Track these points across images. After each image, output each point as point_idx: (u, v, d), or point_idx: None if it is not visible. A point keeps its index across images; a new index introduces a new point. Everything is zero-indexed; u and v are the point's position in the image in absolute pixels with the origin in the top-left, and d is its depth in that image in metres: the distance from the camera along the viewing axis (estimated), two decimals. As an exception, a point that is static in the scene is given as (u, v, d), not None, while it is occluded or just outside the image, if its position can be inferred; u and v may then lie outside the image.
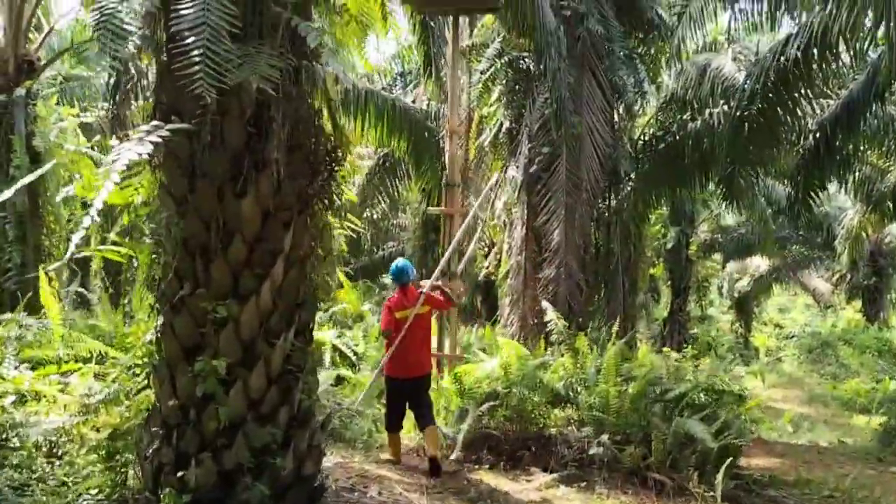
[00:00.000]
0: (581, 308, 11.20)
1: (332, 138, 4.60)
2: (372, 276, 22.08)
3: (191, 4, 3.58)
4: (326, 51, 3.92)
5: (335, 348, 10.59)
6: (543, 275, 11.00)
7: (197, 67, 3.43)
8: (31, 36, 11.69)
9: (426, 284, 7.13)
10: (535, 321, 11.13)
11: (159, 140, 3.68)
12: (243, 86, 3.85)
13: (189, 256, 4.21)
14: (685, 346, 21.30)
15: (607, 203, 12.34)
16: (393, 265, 6.93)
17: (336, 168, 4.62)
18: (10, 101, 10.69)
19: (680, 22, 10.64)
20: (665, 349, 10.84)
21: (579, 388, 6.73)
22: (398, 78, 17.85)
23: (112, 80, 11.74)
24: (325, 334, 10.70)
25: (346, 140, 4.61)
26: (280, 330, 4.32)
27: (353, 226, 18.93)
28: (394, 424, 6.57)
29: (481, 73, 11.60)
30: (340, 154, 4.61)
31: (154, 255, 4.46)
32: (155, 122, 3.87)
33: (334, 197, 4.68)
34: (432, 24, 10.27)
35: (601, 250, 12.36)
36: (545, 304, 8.47)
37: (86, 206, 8.53)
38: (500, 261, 13.26)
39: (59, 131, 11.07)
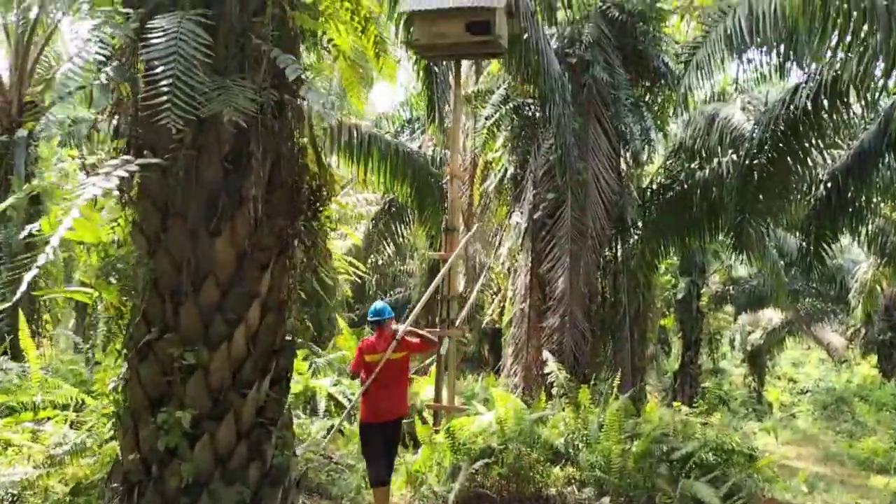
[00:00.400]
0: (586, 359, 10.88)
1: (317, 177, 4.38)
2: (377, 323, 21.75)
3: (163, 34, 3.41)
4: (307, 85, 3.70)
5: (331, 397, 10.24)
6: (547, 324, 10.71)
7: (165, 98, 3.24)
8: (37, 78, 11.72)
9: (401, 329, 6.60)
10: (539, 372, 10.81)
11: (126, 174, 3.47)
12: (219, 119, 3.65)
13: (158, 298, 3.96)
14: (696, 400, 20.78)
15: (614, 251, 12.10)
16: (371, 307, 6.77)
17: (321, 208, 4.39)
18: (12, 142, 10.64)
19: (686, 70, 10.49)
20: (676, 403, 10.44)
21: (580, 445, 6.37)
22: (406, 124, 17.85)
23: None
24: (320, 382, 10.38)
25: (332, 179, 4.39)
26: (253, 379, 4.04)
27: (357, 271, 18.78)
28: (376, 478, 6.17)
29: (486, 118, 11.49)
30: (325, 193, 4.38)
31: (124, 298, 4.21)
32: (125, 157, 3.67)
33: (318, 238, 4.42)
34: (436, 69, 10.16)
35: (608, 300, 12.07)
36: (546, 354, 8.15)
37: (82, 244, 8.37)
38: (504, 308, 12.95)
39: (59, 172, 10.97)
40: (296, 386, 10.47)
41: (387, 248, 18.86)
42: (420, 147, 15.04)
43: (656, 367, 26.61)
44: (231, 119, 3.38)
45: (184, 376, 3.86)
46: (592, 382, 8.26)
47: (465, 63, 13.44)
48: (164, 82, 3.28)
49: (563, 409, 6.93)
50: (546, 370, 7.85)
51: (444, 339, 8.71)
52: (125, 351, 4.10)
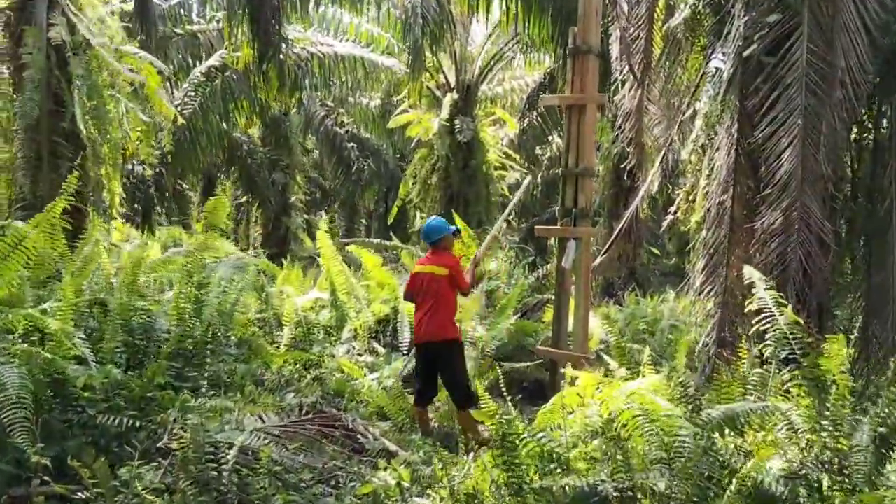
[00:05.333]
0: (824, 280, 6.97)
1: None
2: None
3: None
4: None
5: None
6: (761, 224, 6.83)
7: None
8: None
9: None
10: (748, 298, 7.10)
11: None
12: None
13: None
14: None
15: (874, 112, 7.69)
16: (425, 223, 6.55)
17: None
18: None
19: None
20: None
21: (828, 483, 2.71)
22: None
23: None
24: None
25: None
26: None
27: (515, 166, 15.37)
28: (417, 398, 6.14)
29: None
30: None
31: None
32: None
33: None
34: None
35: (861, 187, 7.79)
36: (749, 270, 4.40)
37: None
38: (692, 202, 8.99)
39: (98, 21, 8.54)
40: (381, 307, 7.58)
41: (551, 135, 15.30)
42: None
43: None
44: None
45: None
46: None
47: None
48: None
49: (799, 390, 3.23)
50: (752, 303, 4.06)
51: (570, 243, 5.29)
52: None
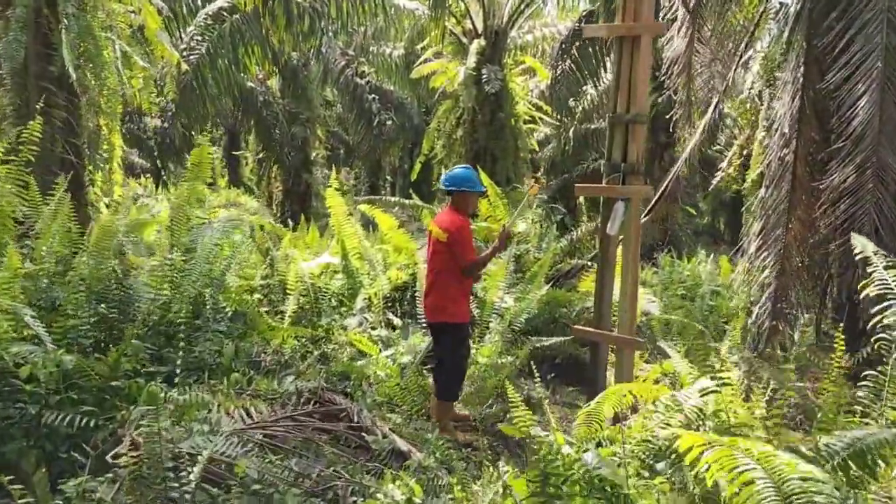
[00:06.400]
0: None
1: None
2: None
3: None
4: None
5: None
6: (829, 181, 6.00)
7: None
8: None
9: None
10: (807, 265, 6.39)
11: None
12: None
13: None
14: None
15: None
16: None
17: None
18: None
19: None
20: None
21: None
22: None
23: None
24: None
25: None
26: None
27: (545, 118, 14.43)
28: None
29: None
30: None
31: None
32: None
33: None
34: None
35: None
36: (861, 242, 3.59)
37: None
38: (748, 160, 8.07)
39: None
40: (398, 273, 6.87)
41: (586, 85, 14.27)
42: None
43: None
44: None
45: None
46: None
47: None
48: None
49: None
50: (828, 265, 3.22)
51: (618, 204, 4.50)
52: None
